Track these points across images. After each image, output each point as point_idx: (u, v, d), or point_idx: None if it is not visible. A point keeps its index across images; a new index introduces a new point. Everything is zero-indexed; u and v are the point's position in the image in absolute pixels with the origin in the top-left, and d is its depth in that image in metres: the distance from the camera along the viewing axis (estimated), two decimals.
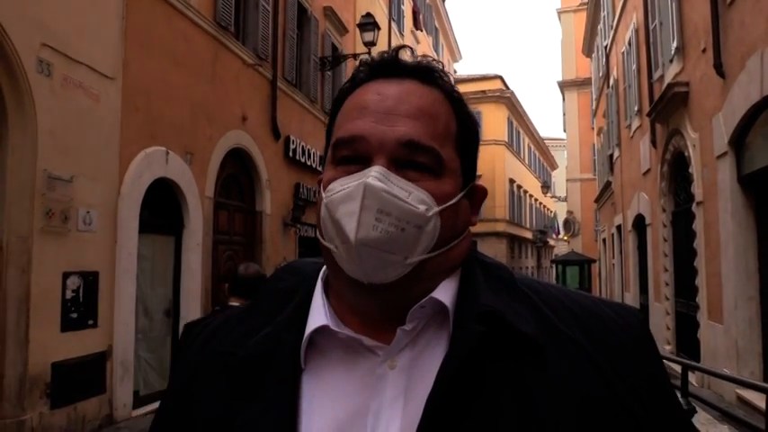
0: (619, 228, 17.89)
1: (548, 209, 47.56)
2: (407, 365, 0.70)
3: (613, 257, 19.97)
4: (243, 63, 9.81)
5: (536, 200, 42.38)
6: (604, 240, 23.42)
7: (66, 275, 5.85)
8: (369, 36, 13.05)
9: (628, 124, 14.96)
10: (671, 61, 9.99)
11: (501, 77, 33.33)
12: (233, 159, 9.64)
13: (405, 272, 0.70)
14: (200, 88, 8.50)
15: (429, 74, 0.78)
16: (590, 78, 27.48)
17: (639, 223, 13.99)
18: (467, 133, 0.79)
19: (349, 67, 13.88)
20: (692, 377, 7.68)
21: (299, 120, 12.14)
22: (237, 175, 9.96)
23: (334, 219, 0.70)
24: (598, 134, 24.67)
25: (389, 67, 0.78)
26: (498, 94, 32.34)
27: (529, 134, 40.67)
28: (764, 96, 6.07)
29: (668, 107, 9.65)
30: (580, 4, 30.70)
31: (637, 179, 13.85)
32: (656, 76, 11.20)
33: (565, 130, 35.67)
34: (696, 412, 5.59)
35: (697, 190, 8.55)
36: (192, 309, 8.02)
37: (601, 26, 20.80)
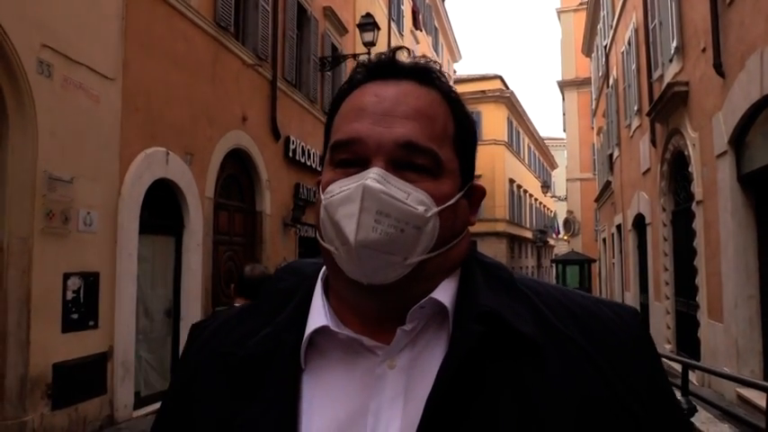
0: (619, 227, 17.89)
1: (548, 208, 47.56)
2: (407, 365, 0.70)
3: (613, 257, 19.97)
4: (243, 63, 9.81)
5: (536, 200, 42.38)
6: (604, 240, 23.42)
7: (66, 276, 5.85)
8: (368, 36, 13.05)
9: (627, 124, 14.96)
10: (671, 61, 9.99)
11: (501, 77, 33.34)
12: (233, 160, 9.64)
13: (404, 272, 0.70)
14: (200, 89, 8.50)
15: (426, 75, 0.78)
16: (590, 78, 27.47)
17: (639, 223, 13.99)
18: (464, 133, 0.79)
19: (349, 68, 13.88)
20: (693, 376, 7.69)
21: (299, 120, 12.14)
22: (237, 175, 9.96)
23: (333, 221, 0.70)
24: (598, 134, 24.66)
25: (387, 68, 0.78)
26: (498, 93, 32.35)
27: (529, 134, 40.67)
28: (764, 95, 6.07)
29: (668, 107, 9.65)
30: (580, 4, 30.70)
31: (637, 179, 13.85)
32: (655, 75, 11.20)
33: (565, 130, 35.66)
34: (697, 411, 5.59)
35: (697, 189, 8.55)
36: (192, 309, 8.03)
37: (600, 26, 20.79)
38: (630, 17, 13.78)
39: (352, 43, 15.12)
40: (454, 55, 33.25)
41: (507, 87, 33.48)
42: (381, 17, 17.07)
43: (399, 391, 0.69)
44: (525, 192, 38.26)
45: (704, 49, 7.95)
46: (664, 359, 8.40)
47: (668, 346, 10.85)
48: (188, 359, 0.84)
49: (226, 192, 9.53)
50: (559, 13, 34.99)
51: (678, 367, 7.29)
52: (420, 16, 22.90)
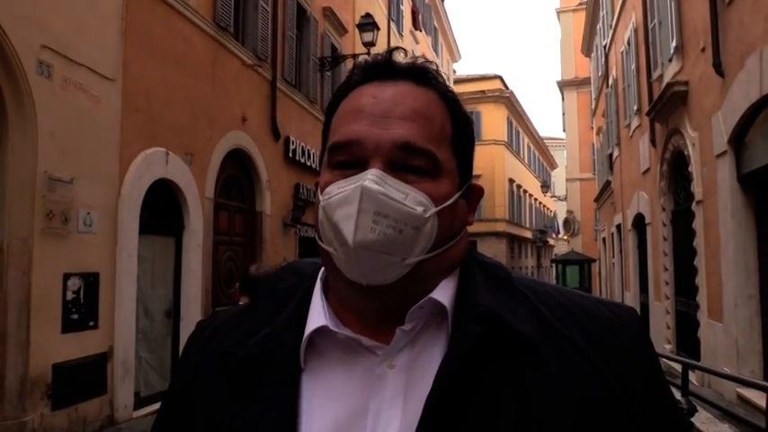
0: (618, 227, 17.89)
1: (547, 208, 47.57)
2: (406, 365, 0.70)
3: (613, 257, 19.97)
4: (242, 64, 9.81)
5: (536, 199, 42.40)
6: (604, 240, 23.42)
7: (66, 277, 5.86)
8: (368, 36, 13.05)
9: (627, 123, 14.97)
10: (670, 60, 9.99)
11: (500, 77, 33.37)
12: (233, 160, 9.65)
13: (403, 273, 0.70)
14: (200, 89, 8.51)
15: (423, 75, 0.78)
16: (589, 78, 27.47)
17: (639, 222, 13.99)
18: (462, 133, 0.79)
19: (348, 68, 13.85)
20: (693, 376, 7.69)
21: (299, 120, 12.15)
22: (237, 175, 9.96)
23: (331, 222, 0.70)
24: (597, 134, 24.67)
25: (383, 69, 0.78)
26: (498, 93, 32.37)
27: (528, 134, 40.69)
28: (764, 95, 6.08)
29: (667, 106, 9.66)
30: (579, 4, 30.70)
31: (636, 178, 13.85)
32: (655, 75, 11.21)
33: (564, 130, 35.66)
34: (697, 411, 5.59)
35: (697, 189, 8.56)
36: (192, 309, 8.03)
37: (600, 26, 20.80)
38: (630, 17, 13.79)
39: (352, 43, 15.12)
40: (454, 55, 33.25)
41: (507, 87, 33.50)
42: (381, 17, 17.07)
43: (399, 390, 0.69)
44: (525, 192, 38.28)
45: (704, 49, 7.95)
46: (664, 359, 8.41)
47: (668, 346, 10.86)
48: (188, 359, 0.84)
49: (226, 192, 9.53)
50: (559, 13, 35.00)
51: (678, 367, 7.29)
52: (419, 16, 22.91)
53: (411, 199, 0.69)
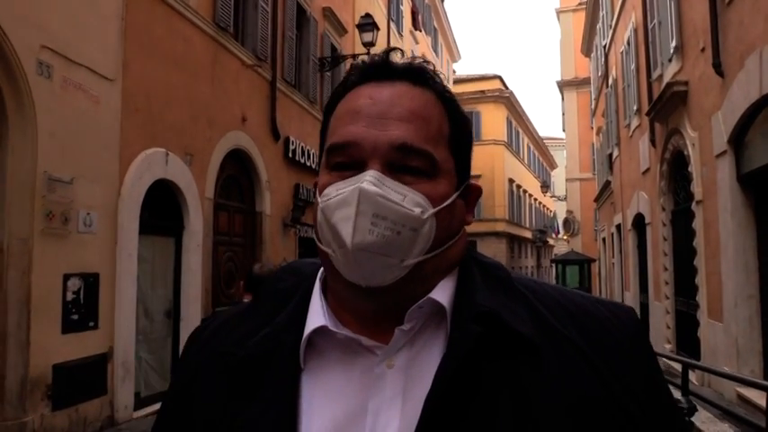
0: (618, 227, 17.89)
1: (547, 208, 47.58)
2: (405, 365, 0.70)
3: (613, 257, 19.97)
4: (242, 64, 9.81)
5: (535, 199, 42.42)
6: (604, 240, 23.42)
7: (66, 277, 5.86)
8: (368, 36, 13.04)
9: (627, 123, 14.97)
10: (670, 60, 9.99)
11: (500, 77, 33.38)
12: (233, 160, 9.65)
13: (402, 274, 0.70)
14: (200, 89, 8.51)
15: (420, 75, 0.78)
16: (589, 78, 27.48)
17: (639, 222, 13.99)
18: (460, 133, 0.79)
19: (348, 68, 13.87)
20: (693, 375, 7.69)
21: (299, 120, 12.15)
22: (237, 176, 9.96)
23: (330, 224, 0.70)
24: (597, 133, 24.67)
25: (381, 69, 0.78)
26: (497, 93, 32.38)
27: (528, 134, 40.70)
28: (763, 95, 6.08)
29: (667, 106, 9.66)
30: (579, 4, 30.71)
31: (636, 178, 13.85)
32: (654, 75, 11.21)
33: (564, 130, 35.66)
34: (697, 410, 5.59)
35: (696, 189, 8.56)
36: (192, 310, 8.03)
37: (599, 26, 20.80)
38: (629, 17, 13.79)
39: (352, 44, 15.12)
40: (453, 55, 33.26)
41: (506, 87, 33.51)
42: (381, 17, 17.07)
43: (398, 390, 0.69)
44: (525, 192, 38.29)
45: (703, 49, 7.95)
46: (664, 359, 8.42)
47: (668, 346, 10.86)
48: (188, 359, 0.84)
49: (226, 192, 9.53)
50: (558, 13, 35.00)
51: (678, 367, 7.29)
52: (419, 16, 22.91)
53: (409, 200, 0.69)
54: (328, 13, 13.68)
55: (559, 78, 35.19)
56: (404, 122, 0.72)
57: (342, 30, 14.47)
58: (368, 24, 13.12)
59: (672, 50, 9.66)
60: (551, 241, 45.41)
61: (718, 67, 7.30)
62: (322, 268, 0.81)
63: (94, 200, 6.27)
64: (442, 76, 0.81)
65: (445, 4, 29.75)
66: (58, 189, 5.70)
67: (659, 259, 11.45)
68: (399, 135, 0.71)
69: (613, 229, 19.26)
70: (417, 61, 0.80)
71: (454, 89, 30.98)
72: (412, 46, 22.71)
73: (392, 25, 19.37)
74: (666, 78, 10.02)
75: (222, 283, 9.18)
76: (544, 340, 0.69)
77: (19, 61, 5.34)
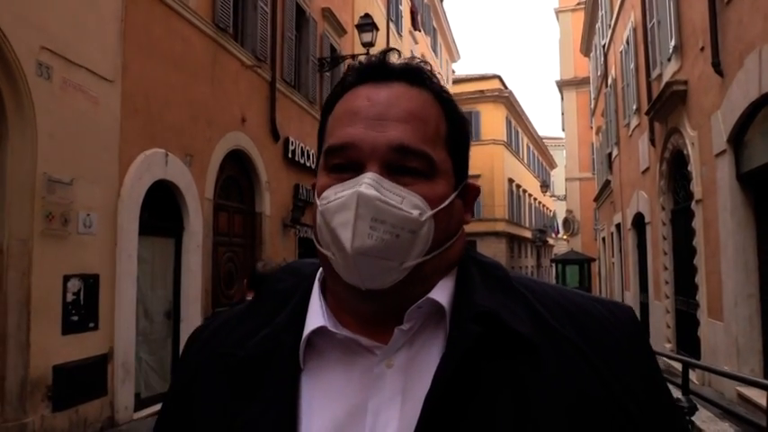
0: (618, 226, 17.89)
1: (547, 208, 47.59)
2: (405, 365, 0.71)
3: (613, 256, 19.97)
4: (242, 64, 9.81)
5: (535, 199, 42.44)
6: (604, 239, 23.43)
7: (66, 278, 5.86)
8: (367, 37, 13.04)
9: (626, 123, 14.97)
10: (669, 60, 9.99)
11: (499, 77, 33.39)
12: (232, 161, 9.65)
13: (401, 276, 0.70)
14: (199, 90, 8.51)
15: (417, 75, 0.78)
16: (588, 77, 27.47)
17: (639, 222, 14.00)
18: (457, 133, 0.79)
19: (347, 68, 13.86)
20: (693, 375, 7.70)
21: (298, 121, 12.15)
22: (237, 176, 9.96)
23: (329, 227, 0.70)
24: (597, 133, 24.68)
25: (378, 70, 0.78)
26: (497, 93, 32.40)
27: (528, 133, 40.72)
28: (763, 94, 6.08)
29: (667, 106, 9.66)
30: (578, 4, 30.72)
31: (636, 178, 13.85)
32: (654, 74, 11.21)
33: (563, 130, 35.68)
34: (698, 410, 5.59)
35: (696, 188, 8.56)
36: (192, 310, 8.03)
37: (599, 25, 20.81)
38: (629, 16, 13.79)
39: (351, 44, 15.12)
40: (453, 55, 33.27)
41: (506, 87, 33.53)
42: (380, 18, 17.07)
43: (397, 390, 0.69)
44: (524, 191, 38.30)
45: (702, 48, 7.96)
46: (664, 358, 8.42)
47: (668, 345, 10.86)
48: (188, 360, 0.84)
49: (225, 193, 9.53)
50: (558, 12, 35.02)
51: (678, 366, 7.30)
52: (418, 16, 22.91)
53: (407, 203, 0.70)
54: (327, 14, 13.68)
55: (559, 78, 35.21)
56: (402, 123, 0.72)
57: (341, 30, 14.47)
58: (367, 25, 13.12)
59: (671, 50, 9.66)
60: (551, 241, 45.42)
61: (717, 67, 7.31)
62: (321, 269, 0.81)
63: (94, 201, 6.27)
64: (440, 76, 0.81)
65: (444, 4, 29.75)
66: (57, 190, 5.70)
67: (659, 258, 11.45)
68: (397, 136, 0.71)
69: (613, 229, 19.27)
70: (414, 61, 0.80)
71: (453, 89, 31.07)
72: (411, 46, 22.72)
73: (391, 25, 19.37)
74: (666, 78, 10.02)
75: (222, 284, 9.18)
76: (543, 340, 0.70)
77: (18, 62, 5.34)
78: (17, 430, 5.22)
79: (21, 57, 5.36)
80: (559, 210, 42.92)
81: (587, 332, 0.72)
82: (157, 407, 5.25)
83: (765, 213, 6.80)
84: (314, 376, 0.73)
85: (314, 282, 0.81)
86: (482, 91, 32.21)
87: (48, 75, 5.69)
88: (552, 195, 42.19)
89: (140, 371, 7.25)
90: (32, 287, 5.41)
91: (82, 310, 6.05)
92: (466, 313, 0.70)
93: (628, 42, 13.93)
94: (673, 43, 9.49)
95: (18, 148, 5.43)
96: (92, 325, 6.20)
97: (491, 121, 31.97)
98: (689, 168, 9.03)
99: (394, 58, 0.79)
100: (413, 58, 0.82)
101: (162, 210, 7.70)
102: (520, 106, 36.45)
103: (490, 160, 30.88)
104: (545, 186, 38.85)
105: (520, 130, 37.88)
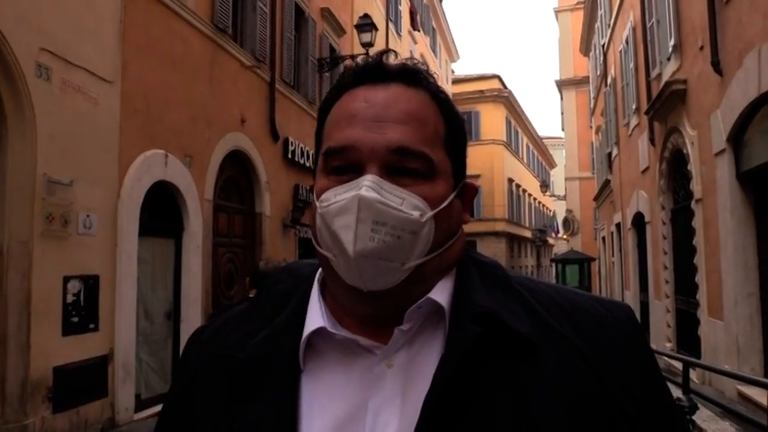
0: (618, 226, 17.90)
1: (547, 208, 47.60)
2: (404, 364, 0.71)
3: (613, 255, 19.97)
4: (241, 65, 9.81)
5: (535, 199, 42.44)
6: (604, 239, 23.43)
7: (66, 279, 5.86)
8: (366, 37, 13.05)
9: (626, 122, 14.97)
10: (668, 59, 10.00)
11: (499, 77, 33.39)
12: (232, 162, 9.65)
13: (403, 277, 0.70)
14: (199, 91, 8.51)
15: (414, 76, 0.78)
16: (588, 77, 27.48)
17: (639, 221, 14.00)
18: (455, 133, 0.79)
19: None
20: (693, 374, 7.70)
21: (298, 121, 12.15)
22: (237, 177, 9.96)
23: (330, 230, 0.71)
24: (596, 133, 24.68)
25: (375, 71, 0.78)
26: (496, 93, 32.40)
27: (527, 133, 40.73)
28: (762, 93, 6.08)
29: (666, 105, 9.66)
30: (577, 3, 30.71)
31: (635, 177, 13.86)
32: (653, 74, 11.21)
33: (563, 129, 35.68)
34: (698, 409, 5.59)
35: (696, 187, 8.56)
36: (192, 311, 8.03)
37: (598, 25, 20.82)
38: (628, 16, 13.80)
39: (350, 44, 15.12)
40: (452, 55, 33.27)
41: (505, 87, 33.53)
42: (379, 18, 17.07)
43: (397, 389, 0.69)
44: (524, 191, 38.31)
45: (702, 47, 7.96)
46: (665, 357, 8.42)
47: (669, 345, 10.86)
48: (188, 361, 0.84)
49: (225, 193, 9.53)
50: (557, 12, 35.03)
51: (679, 365, 7.30)
52: (418, 17, 22.91)
53: (407, 204, 0.70)
54: (327, 14, 13.68)
55: (558, 77, 35.20)
56: (400, 125, 0.72)
57: (340, 30, 14.47)
58: (366, 25, 13.12)
59: (670, 49, 9.67)
60: (551, 240, 45.43)
61: (716, 66, 7.31)
62: (320, 269, 0.81)
63: (94, 202, 6.27)
64: (438, 76, 0.81)
65: (443, 4, 29.75)
66: (57, 191, 5.70)
67: (659, 258, 11.45)
68: (397, 138, 0.72)
69: (613, 228, 19.27)
70: (411, 62, 0.80)
71: (453, 89, 31.11)
72: (410, 46, 22.72)
73: (390, 26, 19.38)
74: (665, 77, 10.03)
75: (222, 285, 9.18)
76: (541, 339, 0.70)
77: (18, 64, 5.34)
78: None
79: (20, 58, 5.36)
80: (559, 209, 42.93)
81: (585, 331, 0.72)
82: (158, 408, 5.25)
83: (765, 212, 6.80)
84: (314, 377, 0.73)
85: (313, 283, 0.81)
86: (481, 91, 32.22)
87: (47, 76, 5.69)
88: (552, 195, 42.22)
89: (141, 372, 7.25)
90: (32, 288, 5.41)
91: (82, 311, 6.05)
92: (465, 313, 0.70)
93: (627, 42, 13.93)
94: (672, 42, 9.50)
95: (18, 149, 5.44)
96: (92, 326, 6.20)
97: (491, 120, 31.97)
98: (689, 167, 9.04)
99: (390, 59, 0.79)
100: (409, 58, 0.82)
101: (162, 210, 7.70)
102: (519, 106, 36.46)
103: (490, 160, 30.88)
104: (545, 186, 38.87)
105: (519, 129, 37.89)
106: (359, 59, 0.84)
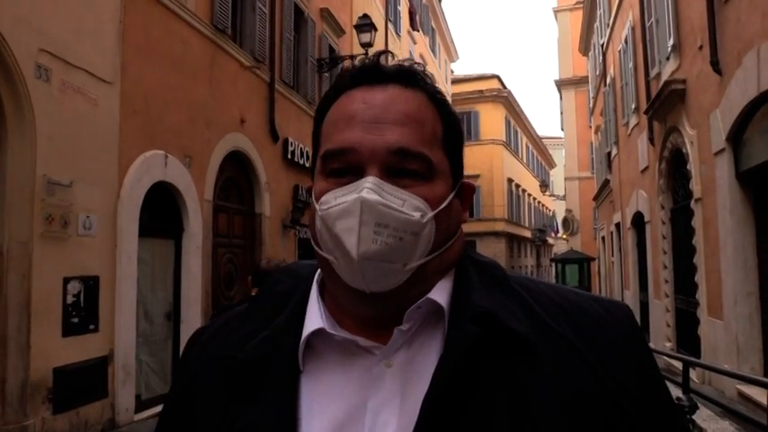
0: (618, 225, 17.90)
1: (546, 207, 47.61)
2: (403, 364, 0.71)
3: (612, 255, 19.97)
4: (240, 66, 9.81)
5: (535, 199, 42.44)
6: (603, 238, 23.43)
7: (66, 280, 5.85)
8: (366, 37, 13.05)
9: (625, 122, 14.98)
10: (667, 59, 10.00)
11: (498, 77, 33.41)
12: (232, 162, 9.64)
13: (404, 278, 0.71)
14: (198, 91, 8.50)
15: (411, 77, 0.78)
16: (587, 77, 27.48)
17: (638, 221, 14.01)
18: (452, 133, 0.79)
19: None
20: (693, 373, 7.70)
21: (297, 122, 12.15)
22: (236, 177, 9.96)
23: (332, 233, 0.71)
24: (596, 132, 24.68)
25: (372, 73, 0.78)
26: (495, 93, 32.41)
27: (527, 133, 40.73)
28: (761, 92, 6.09)
29: (665, 104, 9.67)
30: (576, 3, 30.71)
31: (635, 177, 13.86)
32: (652, 73, 11.22)
33: (562, 129, 35.68)
34: (698, 408, 5.60)
35: (695, 187, 8.57)
36: (192, 312, 8.03)
37: (597, 24, 20.82)
38: (627, 15, 13.80)
39: (350, 44, 15.13)
40: (451, 55, 33.27)
41: (505, 87, 33.54)
42: (378, 18, 17.07)
43: (396, 389, 0.70)
44: (524, 191, 38.31)
45: (701, 47, 7.97)
46: (664, 357, 8.42)
47: (668, 344, 10.86)
48: (188, 362, 0.85)
49: (225, 194, 9.53)
50: (556, 12, 35.02)
51: (679, 365, 7.30)
52: (417, 17, 22.91)
53: (408, 205, 0.70)
54: (326, 15, 13.68)
55: (557, 77, 35.20)
56: (399, 126, 0.73)
57: (340, 31, 14.47)
58: (365, 25, 13.12)
59: (669, 48, 9.67)
60: (551, 240, 45.43)
61: (715, 65, 7.31)
62: (319, 270, 0.81)
63: (94, 203, 6.27)
64: (436, 76, 0.82)
65: (443, 4, 29.76)
66: (57, 192, 5.70)
67: (659, 257, 11.46)
68: (396, 139, 0.72)
69: (613, 228, 19.27)
70: (407, 63, 0.80)
71: (452, 89, 31.11)
72: (410, 46, 22.72)
73: (390, 26, 19.37)
74: (664, 76, 10.03)
75: (222, 285, 9.18)
76: (540, 339, 0.70)
77: (17, 65, 5.34)
78: None
79: (20, 59, 5.36)
80: (559, 209, 42.94)
81: (583, 330, 0.73)
82: (158, 408, 5.25)
83: (764, 211, 6.81)
84: (313, 378, 0.73)
85: (312, 283, 0.81)
86: (481, 91, 32.23)
87: (47, 77, 5.69)
88: (551, 195, 42.24)
89: (141, 372, 7.25)
90: (32, 289, 5.41)
91: (82, 311, 6.05)
92: (464, 313, 0.70)
93: (626, 41, 13.93)
94: (671, 42, 9.50)
95: (17, 150, 5.44)
96: (92, 327, 6.20)
97: (490, 120, 31.97)
98: (688, 167, 9.04)
99: (387, 60, 0.80)
100: (406, 59, 0.82)
101: (161, 211, 7.70)
102: (519, 106, 36.46)
103: (489, 160, 30.89)
104: (544, 186, 38.90)
105: (519, 129, 37.89)
106: (358, 60, 0.84)
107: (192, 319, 7.91)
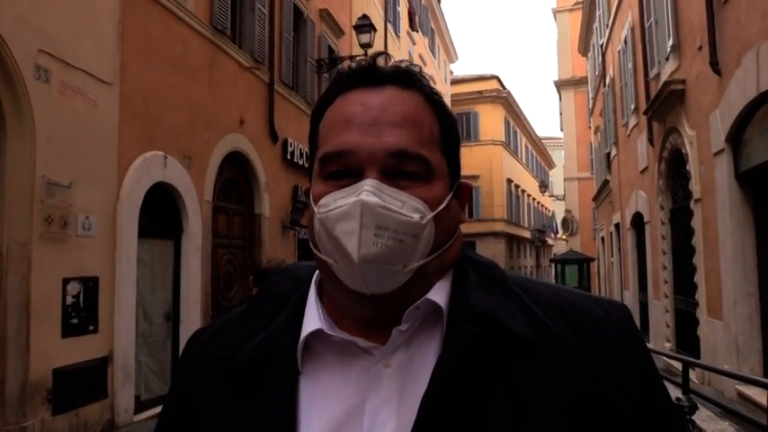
0: (617, 226, 17.90)
1: (546, 208, 47.62)
2: (402, 365, 0.71)
3: (612, 256, 19.98)
4: (240, 66, 9.81)
5: (534, 199, 42.45)
6: (603, 239, 23.43)
7: (66, 281, 5.85)
8: (365, 38, 13.05)
9: (625, 122, 14.98)
10: (667, 59, 10.01)
11: (497, 77, 33.41)
12: (231, 163, 9.64)
13: (405, 279, 0.71)
14: (198, 92, 8.50)
15: (408, 78, 0.78)
16: (586, 77, 27.49)
17: (638, 221, 14.01)
18: (449, 134, 0.79)
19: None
20: (693, 374, 7.70)
21: (297, 122, 12.15)
22: (236, 178, 9.96)
23: (332, 236, 0.70)
24: (595, 133, 24.69)
25: (368, 74, 0.78)
26: (495, 94, 32.42)
27: (526, 134, 40.75)
28: (761, 93, 6.09)
29: (665, 105, 9.67)
30: (575, 4, 30.73)
31: (634, 177, 13.87)
32: (652, 74, 11.23)
33: (562, 130, 35.69)
34: (698, 409, 5.60)
35: (695, 187, 8.57)
36: (192, 313, 8.02)
37: (596, 25, 20.83)
38: (626, 16, 13.81)
39: (349, 45, 15.13)
40: (451, 56, 33.28)
41: (504, 87, 33.55)
42: (378, 19, 17.08)
43: (395, 389, 0.70)
44: (523, 191, 38.32)
45: (700, 47, 7.97)
46: (664, 357, 8.42)
47: (668, 344, 10.86)
48: (187, 363, 0.85)
49: (224, 195, 9.53)
50: (555, 12, 35.05)
51: (678, 365, 7.30)
52: (416, 17, 22.92)
53: (408, 207, 0.70)
54: (325, 15, 13.69)
55: (557, 78, 35.23)
56: (397, 128, 0.73)
57: (339, 31, 14.48)
58: (365, 26, 13.13)
59: (669, 49, 9.68)
60: (550, 241, 45.44)
61: (715, 66, 7.32)
62: (317, 271, 0.81)
63: (93, 203, 6.27)
64: (435, 77, 0.82)
65: (442, 4, 29.77)
66: (56, 193, 5.70)
67: (658, 258, 11.46)
68: (395, 141, 0.72)
69: (612, 229, 19.28)
70: (404, 63, 0.80)
71: (452, 90, 31.11)
72: (409, 47, 22.72)
73: (389, 26, 19.38)
74: (664, 77, 10.04)
75: (221, 286, 9.18)
76: (538, 339, 0.70)
77: (17, 66, 5.34)
78: None
79: (19, 60, 5.36)
80: (558, 210, 42.94)
81: (581, 330, 0.73)
82: (157, 409, 5.25)
83: (764, 212, 6.81)
84: (312, 378, 0.73)
85: (310, 285, 0.81)
86: (480, 91, 32.23)
87: (46, 78, 5.69)
88: (551, 195, 42.24)
89: (140, 373, 7.25)
90: (32, 290, 5.40)
91: (81, 312, 6.04)
92: (463, 314, 0.71)
93: (625, 42, 13.94)
94: (670, 42, 9.51)
95: (17, 151, 5.43)
96: (91, 328, 6.20)
97: (489, 121, 31.98)
98: (687, 167, 9.04)
99: (383, 62, 0.80)
100: (402, 61, 0.82)
101: (161, 212, 7.70)
102: (518, 106, 36.47)
103: (489, 161, 30.90)
104: (544, 186, 38.90)
105: (518, 130, 37.91)
106: (358, 60, 0.84)
107: (192, 319, 7.91)
